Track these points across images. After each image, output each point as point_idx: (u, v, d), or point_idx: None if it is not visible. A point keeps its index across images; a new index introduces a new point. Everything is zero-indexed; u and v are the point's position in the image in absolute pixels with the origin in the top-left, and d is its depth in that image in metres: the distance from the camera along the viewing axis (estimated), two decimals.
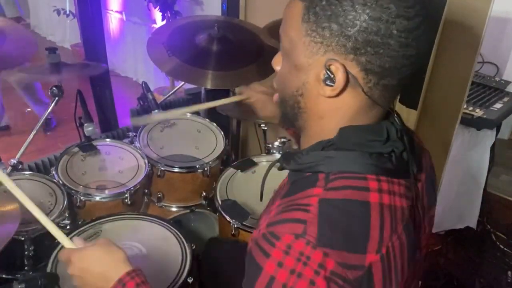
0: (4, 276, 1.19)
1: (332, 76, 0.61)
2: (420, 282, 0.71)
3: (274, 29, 1.51)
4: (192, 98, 2.20)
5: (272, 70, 0.77)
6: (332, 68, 0.60)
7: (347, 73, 0.60)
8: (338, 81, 0.60)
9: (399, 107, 1.69)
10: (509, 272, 2.03)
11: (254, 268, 0.59)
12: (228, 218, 1.38)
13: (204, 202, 1.68)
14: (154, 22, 3.72)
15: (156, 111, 1.73)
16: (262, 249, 0.59)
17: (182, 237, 1.24)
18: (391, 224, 0.61)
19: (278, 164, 0.77)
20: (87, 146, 1.58)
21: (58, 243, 1.19)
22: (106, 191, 1.45)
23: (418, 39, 0.59)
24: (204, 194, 1.66)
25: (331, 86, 0.61)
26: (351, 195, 0.61)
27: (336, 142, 0.65)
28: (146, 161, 1.57)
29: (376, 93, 0.62)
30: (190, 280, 1.11)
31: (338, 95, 0.62)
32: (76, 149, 1.57)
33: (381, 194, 0.62)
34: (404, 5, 0.57)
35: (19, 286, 0.86)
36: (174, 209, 1.64)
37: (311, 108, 0.67)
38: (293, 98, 0.68)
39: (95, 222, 1.28)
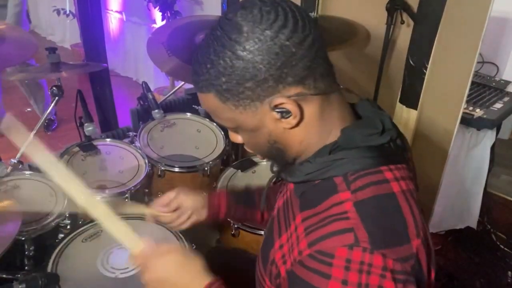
0: (4, 276, 1.19)
1: (284, 109, 0.63)
2: None
3: None
4: (192, 98, 2.20)
5: None
6: (278, 105, 0.63)
7: (291, 97, 0.62)
8: (293, 110, 0.63)
9: (399, 107, 1.69)
10: (509, 272, 2.03)
11: None
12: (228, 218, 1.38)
13: None
14: (154, 22, 3.72)
15: (156, 111, 1.73)
16: (317, 271, 0.57)
17: (182, 237, 1.25)
18: (417, 207, 0.63)
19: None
20: (88, 146, 1.58)
21: (58, 242, 1.19)
22: (107, 191, 1.45)
23: (303, 27, 0.61)
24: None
25: (290, 116, 0.63)
26: (377, 190, 0.61)
27: (341, 144, 0.66)
28: (146, 161, 1.57)
29: (321, 86, 0.64)
30: None
31: (302, 117, 0.65)
32: (77, 149, 1.57)
33: (398, 182, 0.64)
34: (271, 21, 0.59)
35: (20, 286, 0.86)
36: None
37: (289, 143, 0.68)
38: (272, 149, 0.70)
39: (95, 222, 1.28)
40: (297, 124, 0.65)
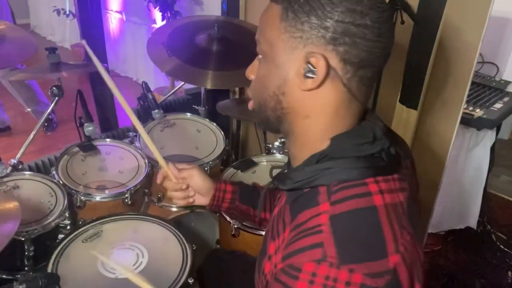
0: (4, 276, 1.19)
1: (313, 68, 0.62)
2: None
3: None
4: (192, 98, 2.20)
5: None
6: (313, 60, 0.62)
7: (327, 63, 0.61)
8: (320, 71, 0.62)
9: (399, 107, 1.69)
10: (509, 272, 2.03)
11: None
12: (228, 218, 1.38)
13: None
14: (154, 22, 3.72)
15: (156, 111, 1.73)
16: (284, 284, 0.58)
17: (182, 238, 1.25)
18: (398, 221, 0.61)
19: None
20: (87, 146, 1.58)
21: (59, 243, 1.19)
22: (107, 191, 1.45)
23: (388, 31, 0.63)
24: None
25: (312, 78, 0.63)
26: (357, 204, 0.61)
27: (329, 153, 0.65)
28: (146, 161, 1.57)
29: (353, 85, 0.64)
30: (191, 280, 1.11)
31: (318, 86, 0.63)
32: (76, 149, 1.57)
33: (383, 195, 0.62)
34: None
35: (20, 287, 0.86)
36: (174, 209, 1.63)
37: (294, 107, 0.67)
38: (275, 98, 0.68)
39: (95, 222, 1.28)
40: (309, 90, 0.64)
